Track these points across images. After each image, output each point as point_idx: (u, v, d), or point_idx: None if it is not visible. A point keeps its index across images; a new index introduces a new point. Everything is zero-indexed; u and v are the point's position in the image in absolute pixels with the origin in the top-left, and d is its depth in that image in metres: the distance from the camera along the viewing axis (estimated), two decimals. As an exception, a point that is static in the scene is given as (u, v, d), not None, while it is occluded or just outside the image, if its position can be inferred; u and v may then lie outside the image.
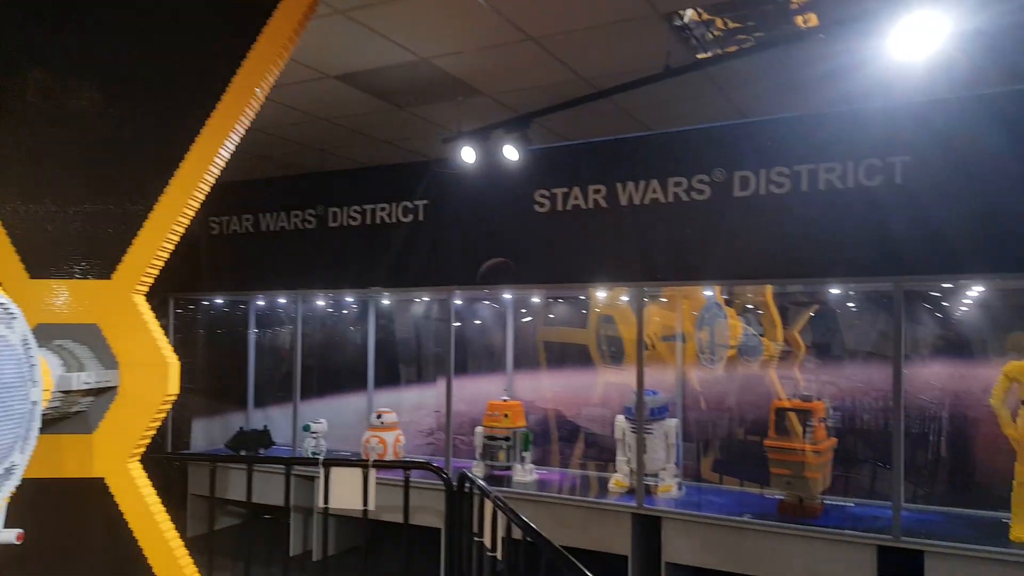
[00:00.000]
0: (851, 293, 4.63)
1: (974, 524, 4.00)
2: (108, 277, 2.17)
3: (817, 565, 3.92)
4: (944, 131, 4.31)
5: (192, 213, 2.19)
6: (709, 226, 4.94)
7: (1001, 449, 3.82)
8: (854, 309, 4.69)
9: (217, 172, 2.19)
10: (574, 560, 1.98)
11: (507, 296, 5.61)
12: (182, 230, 2.21)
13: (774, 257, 4.70)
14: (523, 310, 5.79)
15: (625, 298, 5.07)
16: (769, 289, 4.79)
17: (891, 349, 4.40)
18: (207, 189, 2.20)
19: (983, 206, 4.23)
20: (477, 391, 5.62)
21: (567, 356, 5.59)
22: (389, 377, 6.17)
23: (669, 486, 4.59)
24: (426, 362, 6.14)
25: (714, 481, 4.96)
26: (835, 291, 4.60)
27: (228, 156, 2.23)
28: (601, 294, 5.28)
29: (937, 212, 4.34)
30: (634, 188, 5.17)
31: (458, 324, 5.90)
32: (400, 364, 6.25)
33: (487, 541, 2.80)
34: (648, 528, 4.37)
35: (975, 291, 4.24)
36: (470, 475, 3.17)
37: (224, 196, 6.80)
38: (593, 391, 5.46)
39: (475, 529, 3.06)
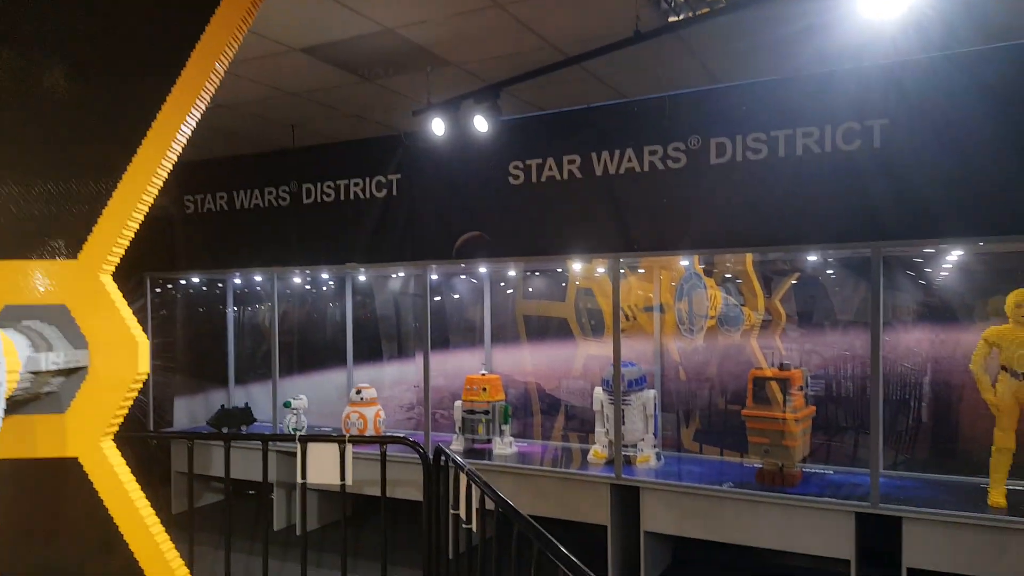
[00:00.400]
0: (830, 260, 4.61)
1: (953, 490, 4.05)
2: (75, 257, 2.18)
3: (795, 533, 3.97)
4: (922, 93, 4.27)
5: (156, 190, 2.20)
6: (686, 195, 4.92)
7: (981, 415, 3.88)
8: (834, 276, 4.70)
9: (180, 148, 2.20)
10: (542, 530, 2.05)
11: (484, 270, 5.61)
12: (147, 207, 2.22)
13: (752, 225, 4.68)
14: (502, 283, 5.79)
15: (602, 270, 5.13)
16: (749, 258, 4.79)
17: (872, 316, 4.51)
18: (170, 165, 2.21)
19: (962, 169, 4.20)
20: (457, 365, 5.65)
21: (547, 329, 5.62)
22: (369, 353, 6.21)
23: (647, 457, 4.65)
24: (405, 337, 6.19)
25: (695, 451, 5.02)
26: (816, 259, 4.61)
27: (190, 132, 2.23)
28: (577, 266, 5.33)
29: (916, 176, 4.32)
30: (609, 158, 5.18)
31: (438, 298, 5.91)
32: (379, 340, 6.28)
33: (462, 513, 2.88)
34: (627, 498, 4.43)
35: (955, 255, 4.25)
36: (445, 449, 3.24)
37: (198, 175, 6.84)
38: (574, 364, 5.49)
39: (452, 502, 3.15)
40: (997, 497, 3.80)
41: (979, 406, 3.90)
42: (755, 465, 4.34)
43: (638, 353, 5.08)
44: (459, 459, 3.10)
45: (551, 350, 5.63)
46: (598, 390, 4.77)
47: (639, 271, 5.18)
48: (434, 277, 5.72)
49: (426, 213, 5.81)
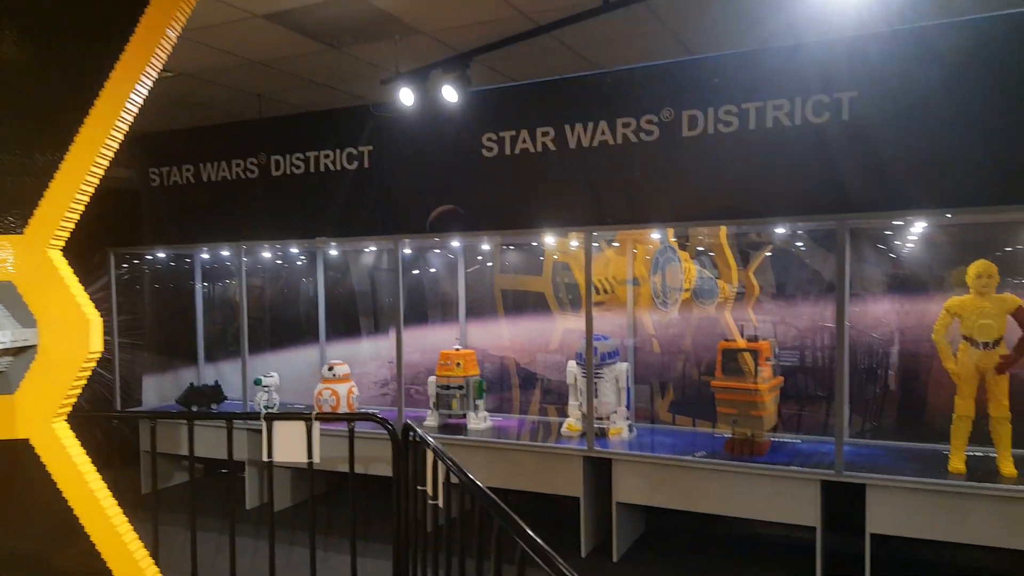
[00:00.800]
0: (800, 233, 4.68)
1: (916, 457, 4.17)
2: (21, 232, 2.12)
3: (763, 501, 4.07)
4: (889, 66, 4.30)
5: (105, 162, 2.13)
6: (659, 168, 4.93)
7: (944, 384, 3.98)
8: (806, 249, 4.76)
9: (130, 118, 2.13)
10: (502, 505, 2.06)
11: (457, 244, 5.59)
12: (97, 179, 2.15)
13: (723, 198, 4.71)
14: (479, 257, 5.78)
15: (577, 243, 5.12)
16: (723, 231, 4.82)
17: (852, 287, 4.56)
18: (120, 136, 2.13)
19: (928, 141, 4.26)
20: (433, 341, 5.63)
21: (525, 304, 5.63)
22: (343, 329, 6.17)
23: (619, 428, 4.71)
24: (380, 313, 6.15)
25: (669, 422, 5.10)
26: (788, 231, 4.67)
27: (141, 100, 2.16)
28: (552, 240, 5.32)
29: (883, 148, 4.36)
30: (583, 130, 5.14)
31: (417, 272, 5.88)
32: (354, 315, 6.24)
33: (429, 489, 2.89)
34: (599, 470, 4.49)
35: (922, 227, 4.33)
36: (413, 425, 3.24)
37: (163, 146, 6.68)
38: (551, 338, 5.51)
39: (421, 478, 3.16)
40: (957, 463, 3.92)
41: (943, 375, 4.00)
42: (726, 435, 4.42)
43: (616, 327, 5.12)
44: (425, 435, 3.09)
45: (529, 324, 5.66)
46: (571, 363, 4.81)
47: (615, 245, 5.20)
48: (408, 251, 5.68)
49: (399, 186, 5.73)
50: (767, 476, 4.07)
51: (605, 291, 5.28)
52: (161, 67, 2.19)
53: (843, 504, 3.99)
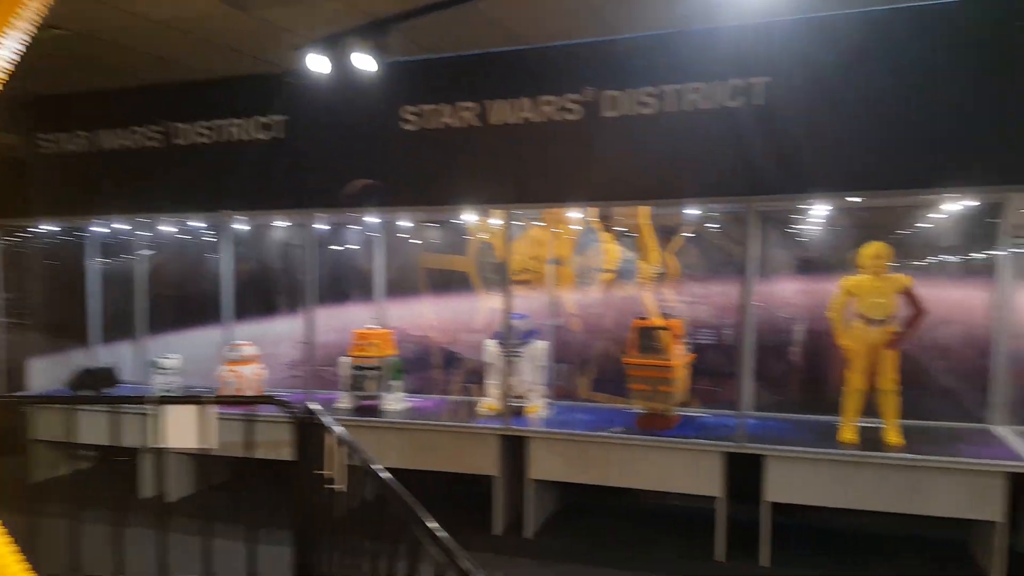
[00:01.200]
0: (715, 214, 4.88)
1: (815, 429, 4.42)
2: None
3: (671, 473, 4.24)
4: (800, 52, 4.50)
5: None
6: (580, 147, 4.99)
7: (842, 359, 4.23)
8: (722, 230, 4.95)
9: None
10: (397, 491, 2.08)
11: (375, 220, 5.51)
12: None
13: (642, 178, 4.82)
14: (404, 235, 5.72)
15: (498, 221, 5.13)
16: (645, 212, 4.94)
17: (760, 268, 4.68)
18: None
19: (834, 126, 4.48)
20: (352, 320, 5.53)
21: (450, 283, 5.62)
22: (254, 308, 5.96)
23: (536, 406, 4.79)
24: (292, 291, 5.98)
25: (592, 400, 5.22)
26: (705, 213, 4.84)
27: (11, 58, 2.00)
28: (473, 218, 5.31)
29: (793, 133, 4.58)
30: (506, 106, 5.14)
31: (336, 248, 5.76)
32: (265, 294, 6.05)
33: (330, 474, 2.85)
34: (515, 448, 4.56)
35: (827, 210, 4.57)
36: (313, 407, 3.18)
37: (56, 111, 6.23)
38: (475, 317, 5.52)
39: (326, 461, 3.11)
40: (848, 434, 4.19)
41: (841, 351, 4.24)
42: (641, 411, 4.56)
43: (537, 306, 5.17)
44: (327, 416, 3.03)
45: (453, 304, 5.66)
46: (490, 342, 4.85)
47: (538, 224, 5.22)
48: (324, 227, 5.53)
49: (313, 158, 5.57)
50: (674, 449, 4.24)
51: (527, 270, 5.32)
52: (36, 22, 2.04)
53: (747, 475, 4.19)
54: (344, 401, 5.06)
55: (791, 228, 4.85)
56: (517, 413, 4.70)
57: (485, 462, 4.55)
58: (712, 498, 4.19)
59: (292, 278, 5.93)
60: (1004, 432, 4.30)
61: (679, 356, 4.46)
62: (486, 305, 5.48)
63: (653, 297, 5.13)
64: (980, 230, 4.41)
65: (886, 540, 4.55)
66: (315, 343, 5.05)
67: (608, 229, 5.21)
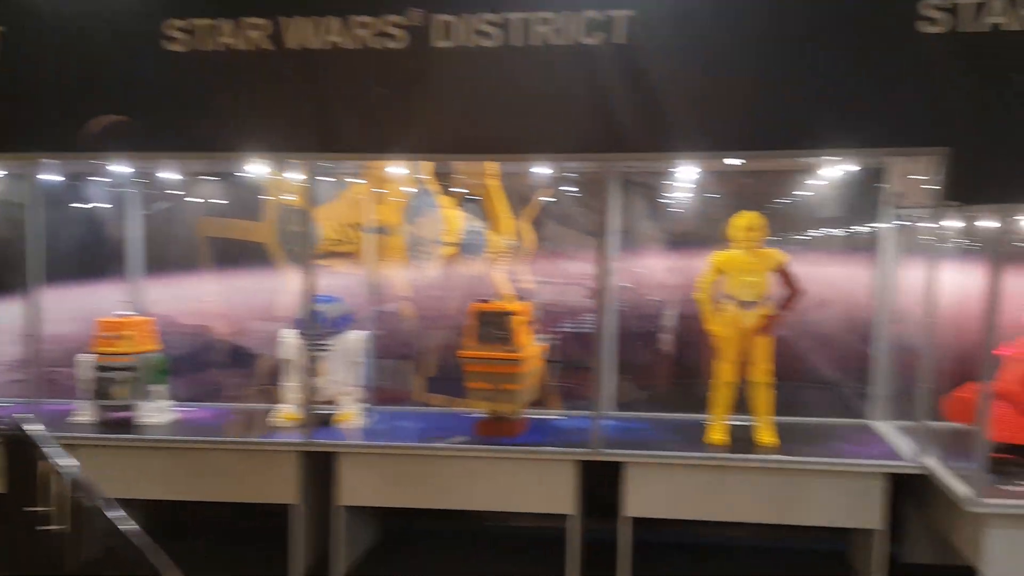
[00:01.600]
0: (572, 175, 4.86)
1: (682, 429, 4.53)
2: None
3: (515, 490, 4.20)
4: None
5: None
6: (404, 84, 4.72)
7: (713, 348, 4.33)
8: (581, 195, 4.95)
9: None
10: (129, 534, 1.81)
11: (129, 170, 5.06)
12: None
13: (480, 128, 4.67)
14: (174, 192, 5.34)
15: (301, 176, 4.78)
16: (494, 171, 4.81)
17: (625, 241, 4.77)
18: None
19: (708, 76, 4.52)
20: (94, 306, 5.06)
21: (239, 256, 5.38)
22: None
23: (350, 414, 4.64)
24: (10, 266, 5.29)
25: (425, 403, 5.15)
26: (565, 173, 4.80)
27: None
28: (264, 169, 4.92)
29: (659, 80, 4.57)
30: (308, 26, 4.76)
31: (82, 207, 5.30)
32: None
33: (44, 509, 2.51)
34: (321, 468, 4.38)
35: (698, 173, 4.63)
36: (19, 420, 2.80)
37: None
38: (274, 301, 5.23)
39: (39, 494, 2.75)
40: (717, 434, 4.32)
41: (710, 339, 4.35)
42: (480, 415, 4.49)
43: (357, 287, 5.02)
44: (39, 434, 2.66)
45: (243, 283, 5.46)
46: (287, 333, 4.61)
47: (358, 182, 5.03)
48: (54, 178, 5.00)
49: (40, 85, 4.89)
50: (518, 459, 4.20)
51: (342, 242, 5.09)
52: None
53: (606, 486, 4.22)
54: (85, 413, 4.65)
55: (659, 195, 4.92)
56: (324, 423, 4.54)
57: (281, 487, 4.32)
58: (563, 516, 4.19)
59: (10, 247, 5.25)
60: (884, 428, 4.61)
61: (528, 347, 4.41)
62: (291, 285, 5.17)
63: (505, 276, 5.08)
64: (864, 199, 4.65)
65: (760, 553, 4.78)
66: (42, 335, 4.56)
67: (448, 192, 5.08)
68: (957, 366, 4.05)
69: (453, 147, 4.65)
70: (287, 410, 4.59)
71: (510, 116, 4.63)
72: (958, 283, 3.91)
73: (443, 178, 5.03)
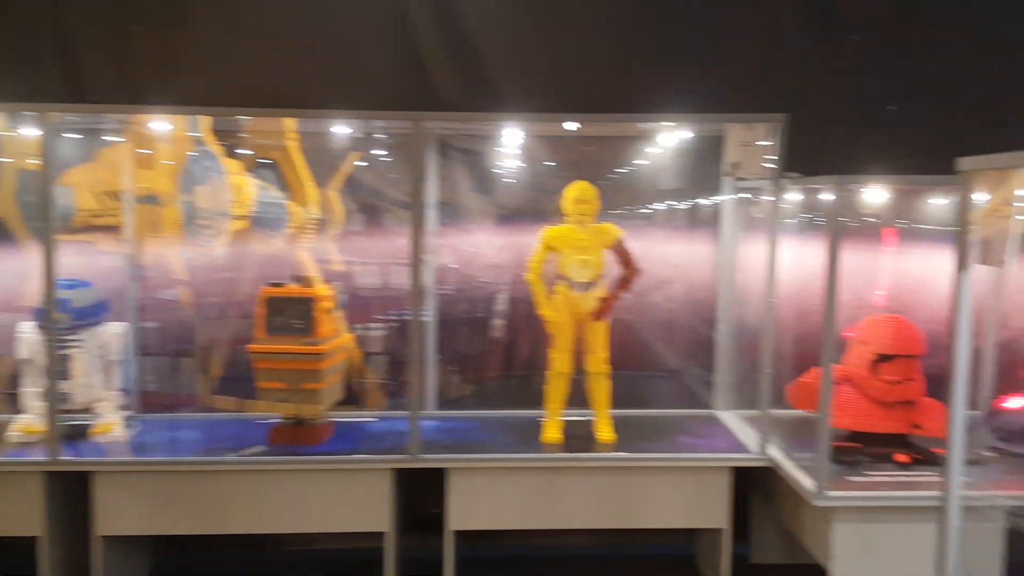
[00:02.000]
0: (382, 136, 4.69)
1: (514, 427, 4.52)
2: None
3: (320, 505, 4.08)
4: None
5: None
6: (163, 16, 4.55)
7: (547, 335, 4.31)
8: (396, 161, 4.82)
9: None
10: None
11: None
12: None
13: (266, 75, 4.56)
14: None
15: (36, 132, 4.37)
16: (292, 130, 4.63)
17: (450, 216, 4.70)
18: None
19: (535, 24, 4.54)
20: None
21: None
22: None
23: (109, 424, 4.37)
24: None
25: (210, 407, 4.91)
26: (374, 135, 4.67)
27: None
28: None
29: (481, 32, 4.55)
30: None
31: None
32: None
33: None
34: (74, 491, 4.11)
35: (525, 138, 4.54)
36: None
37: None
38: (12, 286, 4.72)
39: None
40: (552, 432, 4.31)
41: (544, 325, 4.32)
42: (277, 420, 4.37)
43: (117, 269, 4.74)
44: None
45: None
46: (24, 327, 4.25)
47: (118, 140, 4.64)
48: None
49: None
50: (323, 472, 4.09)
51: (100, 213, 4.72)
52: None
53: (425, 498, 4.20)
54: None
55: (487, 163, 4.87)
56: (77, 436, 4.26)
57: (22, 517, 4.00)
58: (376, 534, 4.11)
59: None
60: (730, 419, 4.76)
61: (332, 338, 4.31)
62: (34, 268, 4.73)
63: (309, 255, 4.88)
64: (707, 170, 4.74)
65: (602, 562, 4.83)
66: None
67: (235, 155, 4.81)
68: (803, 350, 4.18)
69: (230, 99, 4.48)
70: (27, 422, 4.23)
71: (302, 64, 4.53)
72: (802, 261, 4.03)
73: (229, 138, 4.75)
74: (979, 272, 2.66)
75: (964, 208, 2.65)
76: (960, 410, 2.68)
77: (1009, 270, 3.73)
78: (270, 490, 4.08)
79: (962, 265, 2.64)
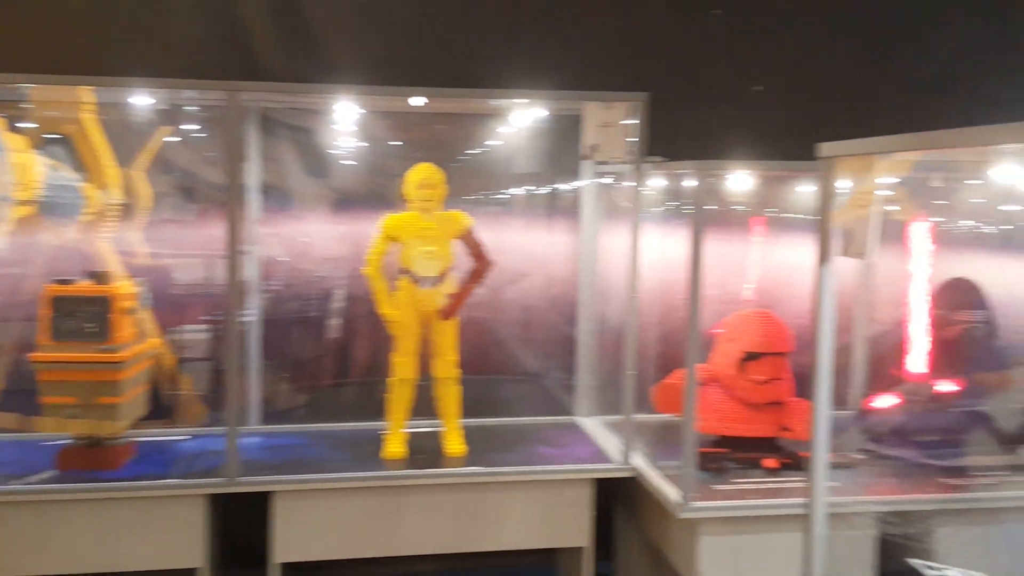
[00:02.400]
0: (193, 109, 4.55)
1: (351, 442, 4.48)
2: None
3: (120, 540, 3.94)
4: None
5: None
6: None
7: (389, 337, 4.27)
8: (207, 137, 4.70)
9: None
10: None
11: None
12: None
13: (50, 39, 4.39)
14: None
15: None
16: (87, 100, 4.39)
17: (278, 201, 4.60)
18: None
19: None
20: None
21: None
22: None
23: None
24: None
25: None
26: (185, 107, 4.54)
27: None
28: None
29: None
30: None
31: None
32: None
33: None
34: None
35: (362, 113, 4.51)
36: None
37: None
38: None
39: None
40: (395, 446, 4.28)
41: (386, 325, 4.29)
42: (67, 441, 4.20)
43: None
44: None
45: None
46: None
47: None
48: None
49: None
50: (123, 500, 3.95)
51: None
52: None
53: (253, 526, 4.08)
54: None
55: (320, 142, 4.80)
56: None
57: None
58: (190, 571, 3.99)
59: None
60: (592, 425, 4.82)
61: (134, 344, 4.16)
62: None
63: (110, 246, 4.65)
64: (566, 153, 4.78)
65: None
66: None
67: (17, 129, 4.51)
68: (668, 349, 4.25)
69: (13, 64, 4.25)
70: None
71: (100, 24, 4.38)
72: (667, 252, 4.10)
73: (10, 108, 4.47)
74: (843, 264, 2.75)
75: (826, 196, 2.73)
76: (824, 411, 2.75)
77: (873, 261, 3.91)
78: (61, 524, 3.90)
79: (823, 257, 2.71)
